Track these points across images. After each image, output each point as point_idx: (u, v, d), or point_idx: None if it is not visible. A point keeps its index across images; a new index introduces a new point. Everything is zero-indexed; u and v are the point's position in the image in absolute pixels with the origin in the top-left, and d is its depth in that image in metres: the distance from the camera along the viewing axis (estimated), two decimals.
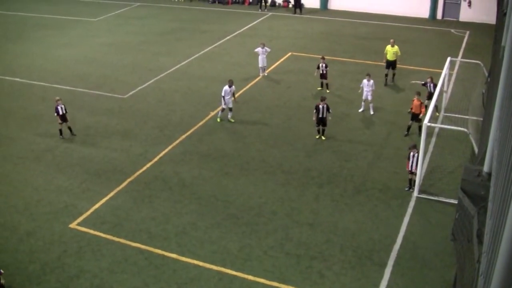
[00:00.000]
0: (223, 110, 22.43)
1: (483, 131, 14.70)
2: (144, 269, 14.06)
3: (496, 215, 5.79)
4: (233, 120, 22.28)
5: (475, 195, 8.44)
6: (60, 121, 21.03)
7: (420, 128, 20.03)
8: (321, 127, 20.67)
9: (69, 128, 21.34)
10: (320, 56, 25.58)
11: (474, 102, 21.79)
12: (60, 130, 21.22)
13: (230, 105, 22.26)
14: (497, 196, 6.27)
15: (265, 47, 26.99)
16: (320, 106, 20.34)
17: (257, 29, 36.99)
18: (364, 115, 22.75)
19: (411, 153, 16.82)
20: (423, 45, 32.32)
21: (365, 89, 22.55)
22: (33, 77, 28.31)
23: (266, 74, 27.45)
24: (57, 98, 21.25)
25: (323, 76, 25.11)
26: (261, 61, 27.15)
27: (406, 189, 17.23)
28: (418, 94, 20.48)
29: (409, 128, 20.80)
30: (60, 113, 20.90)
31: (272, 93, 25.28)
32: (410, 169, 16.93)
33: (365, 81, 22.57)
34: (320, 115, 20.39)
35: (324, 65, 24.87)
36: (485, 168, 8.84)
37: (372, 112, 22.74)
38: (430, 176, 17.97)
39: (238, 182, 18.03)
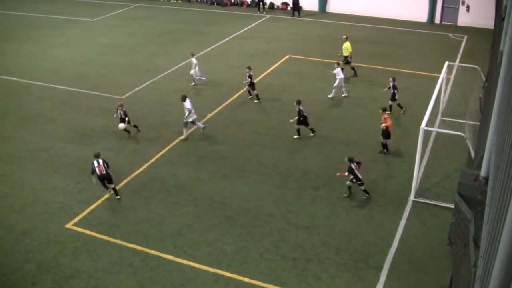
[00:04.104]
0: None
1: (480, 135, 14.74)
2: (140, 270, 14.04)
3: (493, 219, 5.80)
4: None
5: (472, 199, 8.45)
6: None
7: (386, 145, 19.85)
8: (306, 127, 20.96)
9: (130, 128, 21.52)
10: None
11: (471, 106, 21.85)
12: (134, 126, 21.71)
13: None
14: (494, 200, 6.28)
15: (193, 58, 26.44)
16: (301, 108, 20.60)
17: (255, 31, 37.00)
18: (360, 117, 22.71)
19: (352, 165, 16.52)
20: (420, 49, 32.37)
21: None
22: (30, 76, 28.25)
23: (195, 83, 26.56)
24: (120, 103, 21.42)
25: (251, 85, 24.47)
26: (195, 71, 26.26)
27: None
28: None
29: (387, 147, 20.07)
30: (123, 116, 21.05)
31: (268, 96, 25.25)
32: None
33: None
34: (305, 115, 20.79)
35: (249, 74, 24.20)
36: (482, 173, 8.86)
37: (345, 94, 24.68)
38: (426, 180, 17.96)
39: (234, 184, 18.01)
